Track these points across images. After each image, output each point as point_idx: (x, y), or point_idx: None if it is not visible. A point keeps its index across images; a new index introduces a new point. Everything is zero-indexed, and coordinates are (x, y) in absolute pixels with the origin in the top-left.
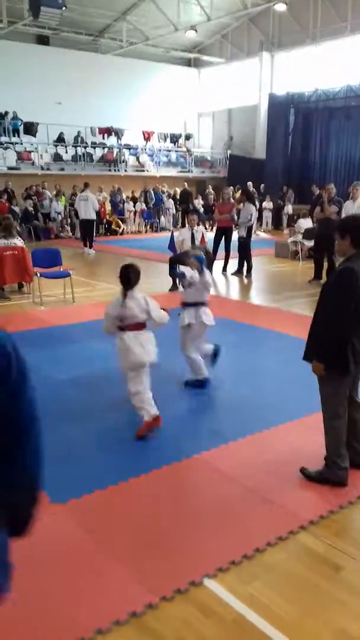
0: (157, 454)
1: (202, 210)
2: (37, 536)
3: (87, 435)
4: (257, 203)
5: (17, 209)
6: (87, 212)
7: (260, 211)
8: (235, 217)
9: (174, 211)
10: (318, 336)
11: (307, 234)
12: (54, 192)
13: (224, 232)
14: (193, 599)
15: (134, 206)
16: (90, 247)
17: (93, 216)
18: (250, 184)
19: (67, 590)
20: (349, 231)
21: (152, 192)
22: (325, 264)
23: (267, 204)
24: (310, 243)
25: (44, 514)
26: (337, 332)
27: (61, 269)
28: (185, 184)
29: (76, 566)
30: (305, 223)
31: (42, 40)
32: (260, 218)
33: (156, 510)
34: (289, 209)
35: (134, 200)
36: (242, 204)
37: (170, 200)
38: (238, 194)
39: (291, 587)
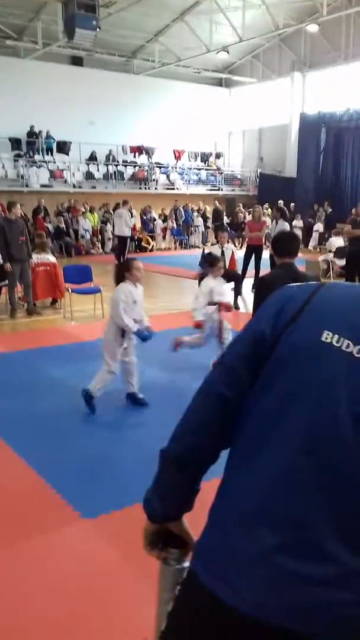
0: None
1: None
2: (65, 552)
3: (116, 450)
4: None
5: (50, 226)
6: (121, 228)
7: (291, 229)
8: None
9: (203, 229)
10: None
11: (339, 253)
12: (82, 210)
13: (254, 250)
14: None
15: (164, 223)
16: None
17: (126, 233)
18: (281, 202)
19: (94, 606)
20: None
21: (181, 209)
22: (357, 283)
23: (298, 222)
24: (341, 262)
25: (73, 530)
26: None
27: (92, 285)
28: (217, 202)
29: (104, 582)
30: (337, 241)
31: (77, 61)
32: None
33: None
34: (319, 227)
35: (164, 217)
36: (275, 222)
37: (200, 218)
38: (268, 212)
39: None
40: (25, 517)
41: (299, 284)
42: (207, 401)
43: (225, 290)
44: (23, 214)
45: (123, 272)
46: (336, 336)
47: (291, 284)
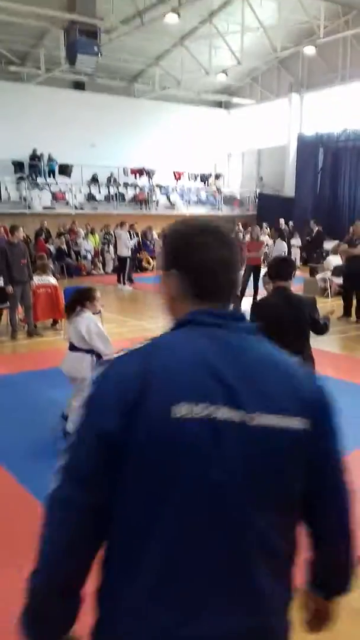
0: None
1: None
2: None
3: None
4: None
5: (51, 247)
6: (120, 249)
7: (289, 248)
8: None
9: None
10: None
11: (337, 271)
12: (84, 231)
13: (252, 270)
14: None
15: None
16: (124, 283)
17: (124, 253)
18: (282, 221)
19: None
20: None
21: None
22: (355, 302)
23: (296, 241)
24: (339, 280)
25: None
26: None
27: None
28: None
29: None
30: (335, 260)
31: (78, 85)
32: (289, 255)
33: None
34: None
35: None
36: (273, 241)
37: None
38: (268, 231)
39: None
40: (23, 540)
41: (125, 350)
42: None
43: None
44: (25, 236)
45: (84, 300)
46: (201, 405)
47: (118, 355)
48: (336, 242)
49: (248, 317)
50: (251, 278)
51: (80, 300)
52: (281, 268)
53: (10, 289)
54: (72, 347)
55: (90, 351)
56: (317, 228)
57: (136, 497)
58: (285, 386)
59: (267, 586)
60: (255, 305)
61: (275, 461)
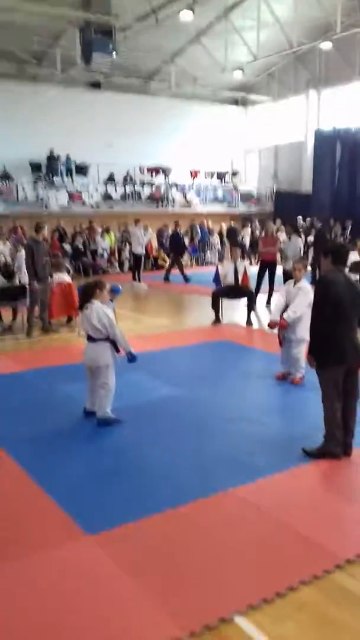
0: (193, 487)
1: (248, 244)
2: (68, 568)
3: (122, 466)
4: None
5: (67, 247)
6: (134, 246)
7: (306, 245)
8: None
9: (219, 246)
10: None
11: (355, 268)
12: (100, 230)
13: (267, 266)
14: (222, 636)
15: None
16: (139, 280)
17: (139, 251)
18: (300, 218)
19: (95, 623)
20: (331, 253)
21: (197, 227)
22: None
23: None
24: (356, 276)
25: (76, 546)
26: (315, 329)
27: None
28: (232, 222)
29: (105, 599)
30: (352, 256)
31: (94, 85)
32: (307, 252)
33: (188, 544)
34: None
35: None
36: (289, 237)
37: (216, 235)
38: (278, 228)
39: (324, 628)
40: (29, 532)
41: None
42: None
43: None
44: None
45: (94, 290)
46: None
47: None
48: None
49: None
50: (266, 274)
51: (87, 292)
52: (342, 254)
53: (35, 285)
54: (90, 338)
55: (107, 339)
56: (319, 224)
57: None
58: None
59: None
60: (321, 279)
61: None
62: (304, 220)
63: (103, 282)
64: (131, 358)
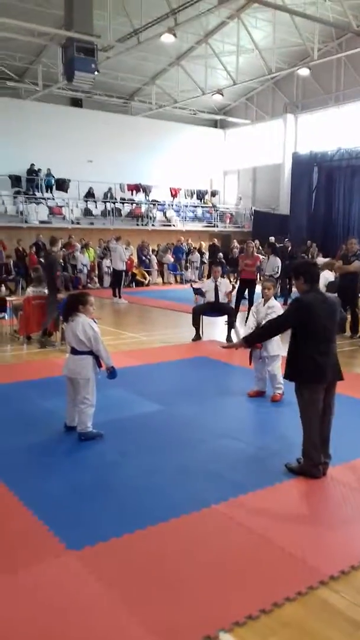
0: (175, 503)
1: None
2: (49, 584)
3: (103, 481)
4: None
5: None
6: (115, 262)
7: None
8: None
9: (198, 264)
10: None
11: (331, 287)
12: (79, 246)
13: (247, 285)
14: None
15: (161, 259)
16: (119, 296)
17: (120, 267)
18: (272, 238)
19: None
20: (302, 273)
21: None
22: (349, 317)
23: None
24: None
25: (58, 562)
26: (295, 352)
27: None
28: (215, 240)
29: (87, 615)
30: (329, 276)
31: (76, 102)
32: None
33: (171, 561)
34: (320, 261)
35: (156, 252)
36: (267, 257)
37: (197, 253)
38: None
39: None
40: (11, 548)
41: None
42: None
43: None
44: (21, 249)
45: (77, 305)
46: None
47: None
48: (327, 259)
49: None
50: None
51: (74, 304)
52: (314, 274)
53: (61, 296)
54: (74, 351)
55: (90, 353)
56: (288, 245)
57: None
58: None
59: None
60: (295, 301)
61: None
62: (280, 241)
63: (88, 296)
64: (111, 374)
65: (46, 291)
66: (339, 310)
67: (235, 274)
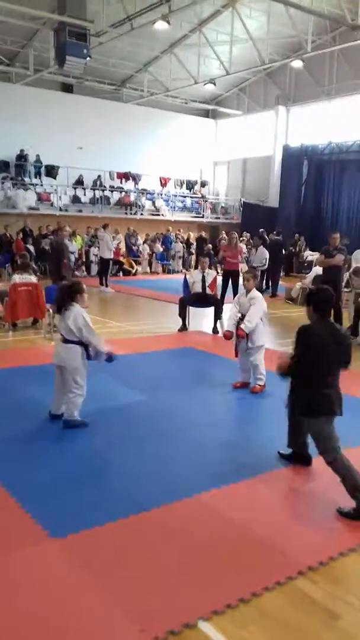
0: (157, 492)
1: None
2: (31, 571)
3: (87, 471)
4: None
5: (32, 247)
6: (103, 251)
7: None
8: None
9: (186, 255)
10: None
11: (316, 281)
12: (69, 232)
13: (230, 275)
14: None
15: (152, 249)
16: (106, 285)
17: (107, 255)
18: (262, 230)
19: (56, 627)
20: (311, 302)
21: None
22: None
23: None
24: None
25: (39, 549)
26: (301, 383)
27: None
28: (203, 232)
29: (68, 603)
30: (318, 270)
31: (67, 88)
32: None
33: (153, 550)
34: (307, 254)
35: (154, 241)
36: (256, 249)
37: (180, 244)
38: (246, 239)
39: (287, 634)
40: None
41: None
42: None
43: None
44: (9, 235)
45: (75, 295)
46: None
47: None
48: (317, 253)
49: None
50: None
51: (70, 294)
52: (321, 302)
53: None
54: (64, 339)
55: (80, 343)
56: (275, 238)
57: None
58: None
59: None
60: (302, 330)
61: None
62: (272, 233)
63: (82, 286)
64: (109, 358)
65: (33, 278)
66: (348, 344)
67: (222, 265)
